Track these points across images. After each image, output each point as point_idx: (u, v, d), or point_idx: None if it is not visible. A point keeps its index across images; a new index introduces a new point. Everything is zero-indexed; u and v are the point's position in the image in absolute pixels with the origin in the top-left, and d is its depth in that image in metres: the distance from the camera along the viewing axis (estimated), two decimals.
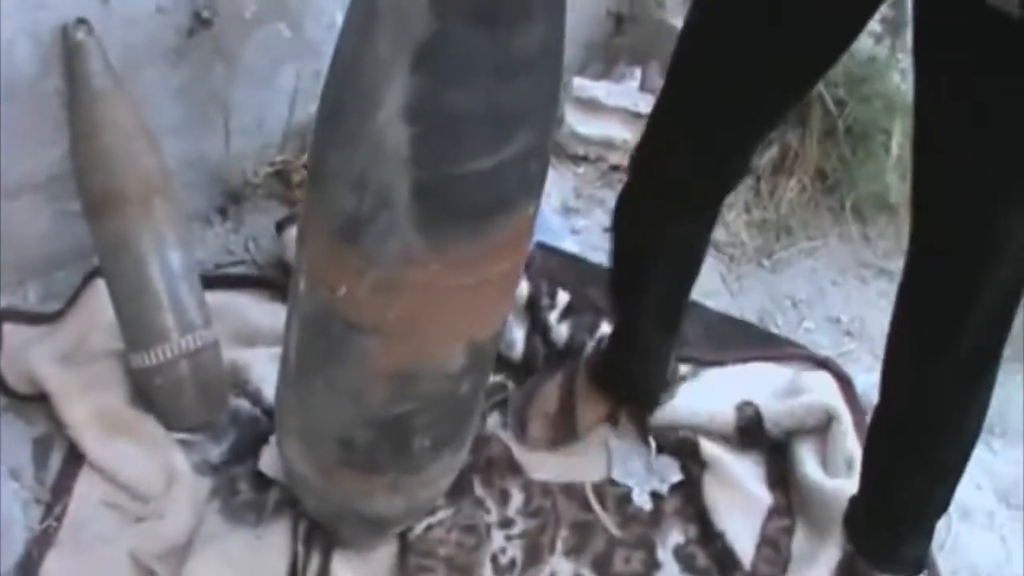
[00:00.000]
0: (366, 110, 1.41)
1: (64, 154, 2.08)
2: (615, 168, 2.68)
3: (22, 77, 2.00)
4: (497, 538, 2.04)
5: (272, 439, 2.00)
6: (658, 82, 2.64)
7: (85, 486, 2.01)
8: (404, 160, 1.41)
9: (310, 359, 1.70)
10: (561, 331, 2.27)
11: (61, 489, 2.00)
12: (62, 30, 1.98)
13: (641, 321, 2.05)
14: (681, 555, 2.07)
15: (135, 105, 2.03)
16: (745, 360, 2.32)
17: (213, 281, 2.23)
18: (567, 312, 2.30)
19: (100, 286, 2.16)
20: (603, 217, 2.58)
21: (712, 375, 2.27)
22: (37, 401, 2.08)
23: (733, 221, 2.59)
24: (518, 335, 2.27)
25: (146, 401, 2.07)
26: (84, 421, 2.04)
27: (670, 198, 1.81)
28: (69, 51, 1.98)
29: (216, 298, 2.17)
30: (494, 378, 2.16)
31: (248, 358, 2.17)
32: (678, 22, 1.89)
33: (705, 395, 2.21)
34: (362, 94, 1.41)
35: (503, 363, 2.22)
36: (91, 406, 2.05)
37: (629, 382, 2.15)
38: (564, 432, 2.17)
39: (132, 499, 2.00)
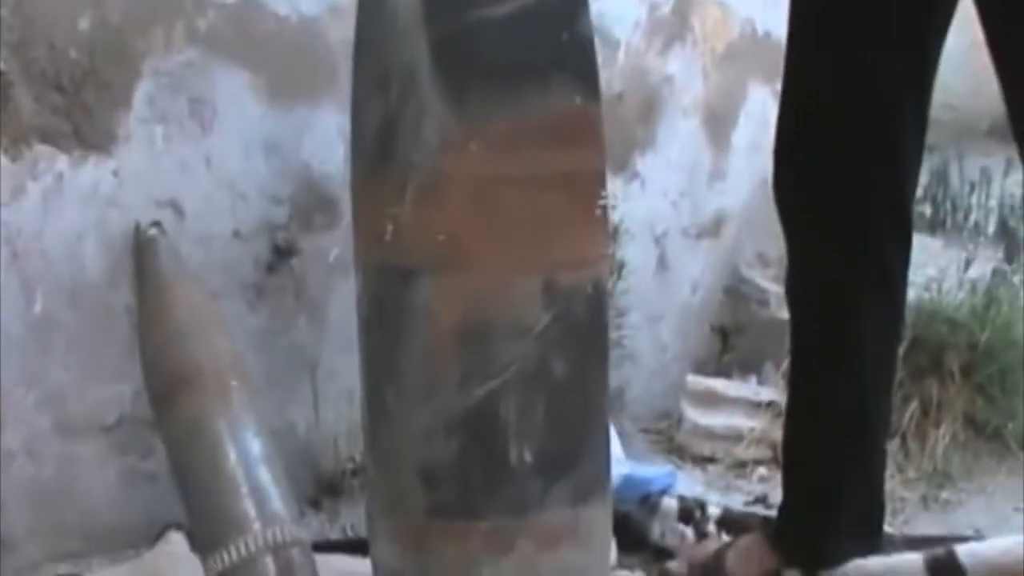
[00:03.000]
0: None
1: (136, 394, 1.91)
2: (743, 464, 2.43)
3: (90, 283, 1.89)
4: None
5: None
6: (776, 381, 2.49)
7: None
8: (419, 21, 1.40)
9: (377, 361, 1.52)
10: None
11: None
12: (134, 228, 1.90)
13: (826, 439, 1.77)
14: None
15: (209, 291, 1.89)
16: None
17: None
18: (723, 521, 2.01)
19: (174, 537, 1.89)
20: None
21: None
22: None
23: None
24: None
25: None
26: None
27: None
28: (140, 247, 1.89)
29: None
30: None
31: None
32: (786, 315, 1.83)
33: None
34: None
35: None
36: None
37: (805, 533, 1.78)
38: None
39: None
